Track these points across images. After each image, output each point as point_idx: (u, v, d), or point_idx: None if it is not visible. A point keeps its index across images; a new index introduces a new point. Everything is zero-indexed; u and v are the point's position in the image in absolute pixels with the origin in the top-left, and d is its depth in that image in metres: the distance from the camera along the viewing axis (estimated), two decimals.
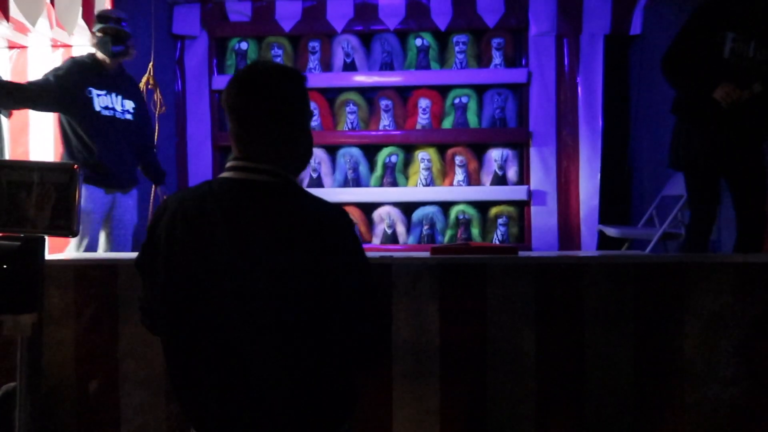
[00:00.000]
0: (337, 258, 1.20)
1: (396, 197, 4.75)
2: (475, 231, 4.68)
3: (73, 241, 3.04)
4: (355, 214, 4.76)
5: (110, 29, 3.07)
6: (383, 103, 4.79)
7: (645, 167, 4.51)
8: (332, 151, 4.84)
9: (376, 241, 4.78)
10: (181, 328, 1.25)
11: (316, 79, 4.80)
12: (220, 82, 4.79)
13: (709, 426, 2.04)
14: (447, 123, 4.78)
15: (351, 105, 4.79)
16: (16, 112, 3.55)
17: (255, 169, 1.25)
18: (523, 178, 4.71)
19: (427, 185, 4.73)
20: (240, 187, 1.24)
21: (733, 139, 2.66)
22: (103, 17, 3.11)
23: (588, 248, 4.54)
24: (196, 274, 1.21)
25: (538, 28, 4.62)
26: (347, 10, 4.73)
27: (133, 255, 2.36)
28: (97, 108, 3.04)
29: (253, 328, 1.19)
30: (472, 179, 4.74)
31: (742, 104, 2.57)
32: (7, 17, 3.49)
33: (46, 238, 1.56)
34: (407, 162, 4.81)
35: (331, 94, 4.87)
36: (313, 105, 4.77)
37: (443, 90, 4.78)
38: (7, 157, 3.76)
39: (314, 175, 4.80)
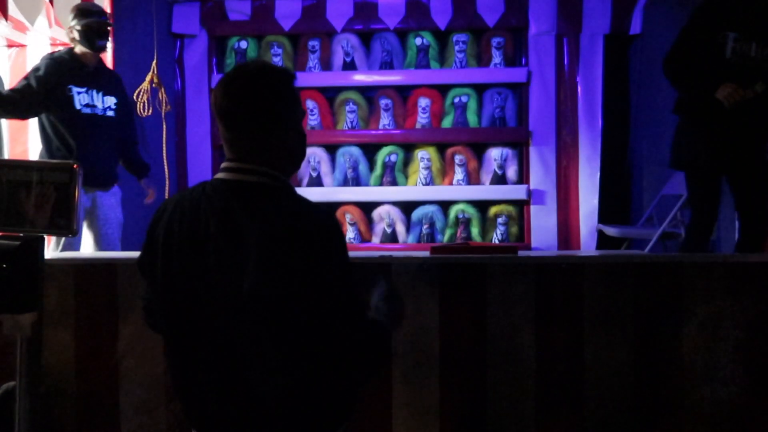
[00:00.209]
0: (320, 261, 1.18)
1: (396, 196, 4.75)
2: (474, 230, 4.68)
3: (53, 240, 3.01)
4: (354, 213, 4.76)
5: (94, 23, 3.01)
6: (383, 102, 4.78)
7: (644, 167, 4.51)
8: (332, 150, 4.84)
9: (376, 240, 4.78)
10: (178, 328, 1.27)
11: (316, 78, 4.80)
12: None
13: (708, 426, 2.05)
14: (447, 122, 4.77)
15: (351, 104, 4.79)
16: None
17: (245, 170, 1.26)
18: (523, 177, 4.70)
19: (427, 184, 4.73)
20: (231, 187, 1.25)
21: (735, 139, 2.66)
22: (85, 11, 3.04)
23: (587, 247, 4.54)
24: (192, 274, 1.22)
25: (538, 28, 4.61)
26: (347, 9, 4.72)
27: (133, 254, 2.36)
28: (77, 106, 2.99)
29: (243, 329, 1.19)
30: (472, 178, 4.74)
31: (745, 104, 2.56)
32: (5, 16, 3.48)
33: (46, 237, 1.56)
34: (407, 161, 4.81)
35: (330, 93, 4.87)
36: (312, 104, 4.78)
37: (443, 89, 4.78)
38: (6, 156, 3.76)
39: (314, 174, 4.80)
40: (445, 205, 4.74)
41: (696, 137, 2.73)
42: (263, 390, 1.20)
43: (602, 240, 4.37)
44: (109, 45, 3.13)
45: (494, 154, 4.70)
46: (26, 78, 2.93)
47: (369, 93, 4.85)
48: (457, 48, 4.75)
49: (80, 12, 3.04)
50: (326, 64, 4.85)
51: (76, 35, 3.02)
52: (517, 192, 4.64)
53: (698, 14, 2.71)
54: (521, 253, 2.29)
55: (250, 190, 1.24)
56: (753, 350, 2.04)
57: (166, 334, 1.31)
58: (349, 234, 4.78)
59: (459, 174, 4.73)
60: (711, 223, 2.76)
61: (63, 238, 2.97)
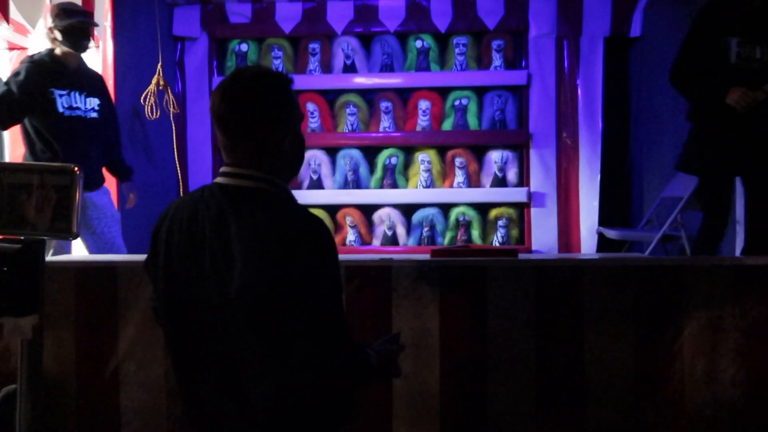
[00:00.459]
0: (302, 270, 1.17)
1: (396, 199, 4.75)
2: (475, 233, 4.68)
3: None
4: (355, 216, 4.76)
5: (78, 23, 2.96)
6: (383, 104, 4.79)
7: (645, 169, 4.51)
8: (332, 152, 4.84)
9: (377, 242, 4.78)
10: (178, 330, 1.29)
11: (316, 80, 4.80)
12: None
13: (709, 429, 2.04)
14: (447, 125, 4.78)
15: (351, 107, 4.79)
16: None
17: (240, 175, 1.26)
18: (523, 179, 4.71)
19: (427, 187, 4.73)
20: (226, 192, 1.25)
21: (750, 141, 2.64)
22: (68, 11, 2.98)
23: (588, 250, 4.54)
24: (190, 278, 1.24)
25: (538, 30, 4.62)
26: (347, 12, 4.73)
27: (133, 257, 2.37)
28: (60, 109, 2.94)
29: (232, 334, 1.21)
30: (472, 181, 4.74)
31: (757, 105, 2.56)
32: (7, 18, 3.48)
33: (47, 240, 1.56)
34: (407, 164, 4.81)
35: (331, 96, 4.87)
36: (313, 106, 4.78)
37: (443, 92, 4.78)
38: (6, 159, 3.76)
39: (314, 177, 4.81)
40: (445, 208, 4.75)
41: (710, 142, 2.72)
42: (252, 394, 1.21)
43: (602, 243, 4.38)
44: (110, 48, 3.11)
45: (494, 156, 4.70)
46: (6, 84, 2.86)
47: (369, 95, 4.86)
48: (457, 50, 4.75)
49: (63, 11, 2.97)
50: (327, 67, 4.85)
51: (58, 36, 2.95)
52: (518, 194, 4.64)
53: (698, 22, 2.71)
54: (521, 255, 2.29)
55: (244, 195, 1.24)
56: (754, 353, 2.04)
57: (167, 336, 1.33)
58: (350, 236, 4.78)
59: (459, 176, 4.73)
60: (723, 228, 2.75)
61: (54, 243, 2.94)
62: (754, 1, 2.64)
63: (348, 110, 4.79)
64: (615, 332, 2.07)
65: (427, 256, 2.22)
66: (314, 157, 4.77)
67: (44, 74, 2.92)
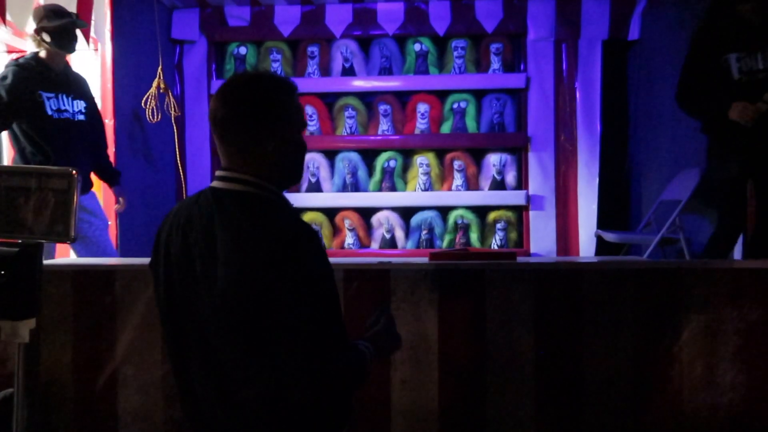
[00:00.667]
0: (282, 276, 1.15)
1: (395, 202, 4.75)
2: (473, 236, 4.68)
3: None
4: (353, 219, 4.76)
5: (69, 24, 2.95)
6: (382, 107, 4.79)
7: (643, 172, 4.52)
8: (331, 155, 4.84)
9: (375, 245, 4.78)
10: (174, 332, 1.31)
11: (315, 83, 4.81)
12: (219, 87, 4.79)
13: None
14: (446, 128, 4.78)
15: (350, 110, 4.80)
16: None
17: (231, 179, 1.27)
18: (522, 182, 4.71)
19: (426, 190, 4.74)
20: (217, 195, 1.26)
21: (761, 148, 2.64)
22: (58, 12, 2.96)
23: (586, 253, 4.54)
24: (184, 280, 1.26)
25: (537, 34, 4.63)
26: (346, 15, 4.73)
27: (130, 261, 2.36)
28: (49, 112, 2.93)
29: (219, 338, 1.22)
30: (471, 184, 4.74)
31: (764, 116, 2.55)
32: (4, 21, 3.48)
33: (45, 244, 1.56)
34: (406, 167, 4.81)
35: (329, 99, 4.87)
36: (311, 109, 4.78)
37: (442, 95, 4.79)
38: (4, 162, 3.75)
39: (313, 180, 4.80)
40: (444, 211, 4.75)
41: (723, 153, 2.73)
42: (242, 396, 1.21)
43: (601, 246, 4.37)
44: (109, 51, 3.10)
45: (493, 159, 4.70)
46: None
47: (368, 98, 4.86)
48: (455, 54, 4.76)
49: (52, 13, 2.95)
50: (325, 70, 4.86)
51: (47, 37, 2.93)
52: (516, 197, 4.64)
53: (696, 43, 2.73)
54: (520, 258, 2.29)
55: (232, 199, 1.25)
56: (752, 356, 2.04)
57: (166, 337, 1.34)
58: (348, 239, 4.77)
59: (458, 179, 4.74)
60: (736, 238, 2.76)
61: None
62: (746, 15, 2.64)
63: (347, 113, 4.80)
64: (613, 335, 2.07)
65: (425, 260, 2.22)
66: (313, 160, 4.78)
67: (31, 77, 2.91)
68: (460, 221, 4.69)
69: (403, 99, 4.84)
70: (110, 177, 3.31)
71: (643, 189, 4.52)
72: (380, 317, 1.46)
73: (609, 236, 4.08)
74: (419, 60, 4.80)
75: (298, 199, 4.64)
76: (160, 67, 3.73)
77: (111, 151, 3.78)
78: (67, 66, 3.11)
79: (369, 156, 4.83)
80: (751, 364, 2.04)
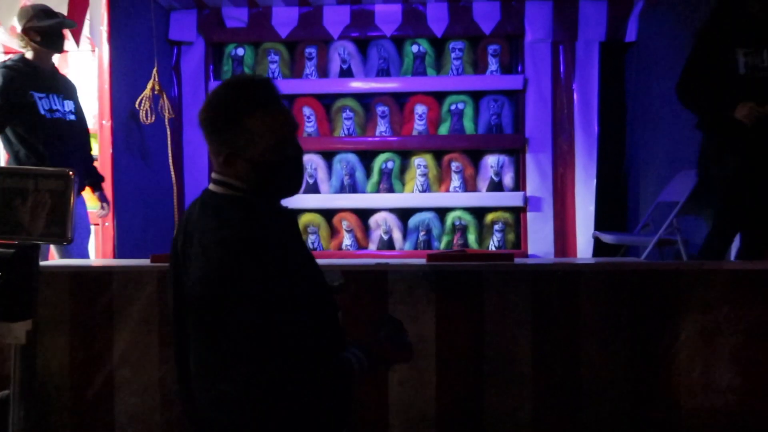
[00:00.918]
0: (234, 281, 1.15)
1: (392, 203, 4.75)
2: (471, 237, 4.68)
3: None
4: (351, 220, 4.76)
5: (58, 24, 2.95)
6: (380, 109, 4.79)
7: (641, 173, 4.52)
8: (329, 157, 4.84)
9: (373, 247, 4.78)
10: (174, 329, 1.35)
11: (313, 85, 4.81)
12: None
13: None
14: (443, 129, 4.78)
15: (347, 111, 4.79)
16: None
17: (214, 180, 1.31)
18: (519, 184, 4.71)
19: (424, 191, 4.74)
20: (204, 197, 1.30)
21: (761, 148, 2.64)
22: (48, 12, 2.95)
23: (584, 254, 4.54)
24: (178, 278, 1.30)
25: (534, 35, 4.63)
26: (344, 17, 4.73)
27: (127, 262, 2.35)
28: (42, 111, 2.91)
29: (194, 338, 1.24)
30: (469, 185, 4.74)
31: (766, 117, 2.56)
32: (0, 22, 3.48)
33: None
34: (404, 168, 4.81)
35: (327, 100, 4.87)
36: (309, 111, 4.78)
37: (439, 96, 4.79)
38: (1, 164, 3.75)
39: (310, 181, 4.80)
40: (441, 212, 4.75)
41: (721, 152, 2.72)
42: (207, 398, 1.22)
43: (599, 247, 4.38)
44: (106, 52, 3.09)
45: (491, 161, 4.71)
46: None
47: (366, 100, 4.86)
48: (453, 55, 4.76)
49: (42, 13, 2.94)
50: (323, 71, 4.85)
51: (36, 37, 2.92)
52: (514, 199, 4.65)
53: (702, 36, 2.71)
54: (518, 260, 2.29)
55: (211, 200, 1.28)
56: (750, 358, 2.04)
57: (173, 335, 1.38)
58: (346, 241, 4.77)
59: (456, 181, 4.74)
60: (733, 237, 2.76)
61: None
62: (756, 12, 2.64)
63: (344, 114, 4.80)
64: (611, 337, 2.07)
65: (423, 261, 2.22)
66: (311, 161, 4.77)
67: (21, 78, 2.90)
68: (457, 222, 4.69)
69: (400, 100, 4.84)
70: (94, 181, 3.28)
71: (640, 190, 4.53)
72: (385, 324, 1.41)
73: (606, 237, 4.08)
74: (417, 61, 4.81)
75: (295, 200, 4.62)
76: (155, 69, 3.72)
77: (108, 152, 3.78)
78: (54, 66, 3.10)
79: (367, 157, 4.83)
80: (749, 365, 2.04)
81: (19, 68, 2.92)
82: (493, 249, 4.66)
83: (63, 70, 3.92)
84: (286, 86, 4.78)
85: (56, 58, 3.16)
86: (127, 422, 2.14)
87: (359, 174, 4.79)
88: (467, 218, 4.69)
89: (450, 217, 4.71)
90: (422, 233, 4.71)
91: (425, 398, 2.08)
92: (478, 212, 4.73)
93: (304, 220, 4.77)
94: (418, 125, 4.78)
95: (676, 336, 2.05)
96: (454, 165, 4.73)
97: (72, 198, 1.57)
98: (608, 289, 2.08)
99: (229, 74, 4.83)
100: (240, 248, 1.17)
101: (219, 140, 1.27)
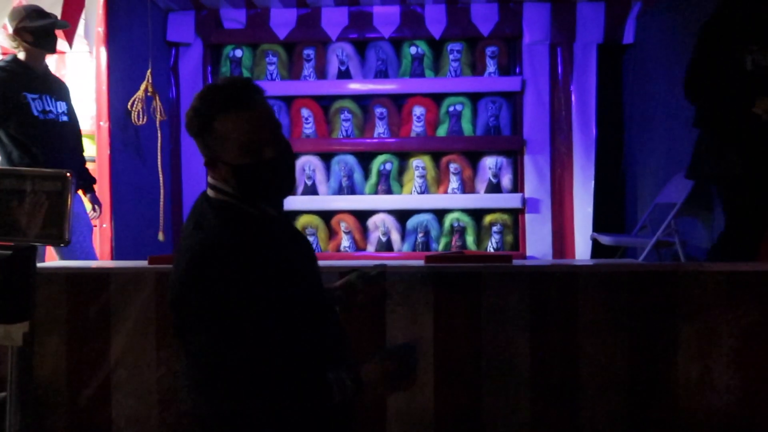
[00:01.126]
0: (201, 286, 1.16)
1: (390, 205, 4.75)
2: (469, 239, 4.68)
3: None
4: (349, 222, 4.75)
5: (51, 25, 2.93)
6: (378, 110, 4.79)
7: (638, 175, 4.53)
8: (327, 158, 4.84)
9: (371, 248, 4.77)
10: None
11: (311, 86, 4.81)
12: None
13: None
14: (441, 131, 4.78)
15: (345, 112, 4.79)
16: None
17: (208, 183, 1.32)
18: (518, 185, 4.71)
19: (422, 193, 4.74)
20: (199, 199, 1.32)
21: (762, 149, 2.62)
22: (41, 12, 2.94)
23: (582, 256, 4.54)
24: None
25: (532, 37, 4.64)
26: (342, 18, 4.73)
27: (124, 264, 2.35)
28: (35, 113, 2.90)
29: (182, 344, 1.24)
30: (467, 187, 4.74)
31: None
32: None
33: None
34: (402, 169, 4.81)
35: (325, 102, 4.87)
36: (307, 112, 4.78)
37: (438, 98, 4.79)
38: None
39: (308, 183, 4.80)
40: (440, 214, 4.75)
41: (726, 150, 2.69)
42: (189, 403, 1.24)
43: (597, 248, 4.38)
44: (103, 53, 3.07)
45: (489, 162, 4.71)
46: None
47: (364, 101, 4.86)
48: (451, 57, 4.77)
49: (35, 13, 2.93)
50: (321, 73, 4.85)
51: (29, 37, 2.91)
52: (512, 200, 4.65)
53: (708, 32, 2.69)
54: (516, 261, 2.29)
55: (201, 204, 1.29)
56: (748, 359, 2.04)
57: None
58: (344, 242, 4.77)
59: (454, 182, 4.74)
60: (749, 235, 2.69)
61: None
62: (764, 9, 2.63)
63: (342, 116, 4.80)
64: (609, 338, 2.07)
65: (421, 263, 2.21)
66: (309, 162, 4.77)
67: (14, 79, 2.89)
68: (455, 224, 4.69)
69: (398, 102, 4.84)
70: (86, 183, 3.26)
71: (638, 192, 4.53)
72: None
73: (604, 239, 4.09)
74: (415, 63, 4.81)
75: (293, 202, 4.63)
76: (149, 71, 3.71)
77: (106, 153, 3.77)
78: (47, 67, 3.09)
79: (365, 159, 4.83)
80: (747, 366, 2.04)
81: (11, 69, 2.91)
82: (492, 250, 4.66)
83: (60, 71, 3.94)
84: (284, 88, 4.79)
85: (53, 59, 3.15)
86: (124, 424, 2.13)
87: (357, 175, 4.79)
88: (465, 220, 4.69)
89: (448, 219, 4.71)
90: (420, 235, 4.71)
91: (423, 399, 2.07)
92: (477, 214, 4.73)
93: (302, 221, 4.77)
94: (417, 127, 4.78)
95: (674, 337, 2.05)
96: (452, 166, 4.73)
97: (69, 199, 1.56)
98: (606, 291, 2.08)
99: (228, 75, 4.83)
100: (206, 254, 1.17)
101: (199, 144, 1.28)
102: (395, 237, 4.75)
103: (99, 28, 3.76)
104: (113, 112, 3.81)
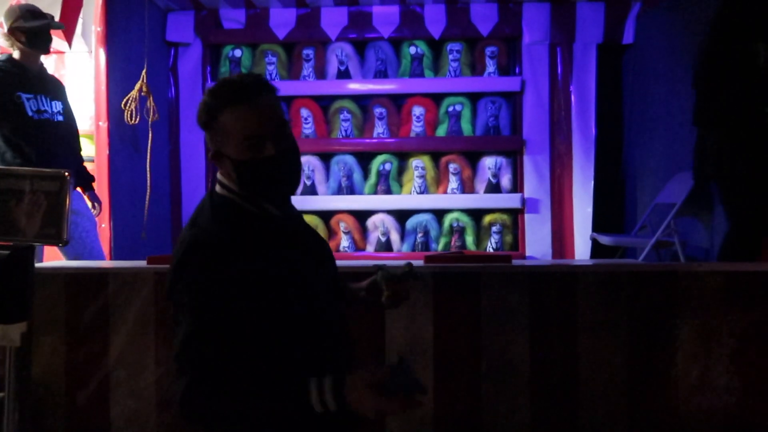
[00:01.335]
0: (182, 275, 1.19)
1: (390, 205, 4.74)
2: (469, 239, 4.68)
3: None
4: (348, 222, 4.75)
5: (46, 26, 2.93)
6: (377, 110, 4.79)
7: (638, 175, 4.53)
8: (326, 158, 4.84)
9: (370, 248, 4.77)
10: None
11: (310, 86, 4.80)
12: None
13: None
14: (441, 131, 4.78)
15: (345, 113, 4.79)
16: None
17: (216, 179, 1.33)
18: (517, 186, 4.71)
19: (421, 193, 4.73)
20: (206, 194, 1.34)
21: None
22: (35, 13, 2.93)
23: (581, 256, 4.54)
24: None
25: (532, 37, 4.63)
26: (341, 18, 4.73)
27: (123, 264, 2.35)
28: (29, 113, 2.89)
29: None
30: (466, 187, 4.74)
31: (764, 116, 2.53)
32: None
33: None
34: (401, 170, 4.81)
35: (325, 102, 4.87)
36: (306, 112, 4.78)
37: (437, 98, 4.79)
38: None
39: (308, 183, 4.79)
40: (439, 214, 4.74)
41: (728, 148, 2.67)
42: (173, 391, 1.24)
43: (596, 248, 4.38)
44: (102, 53, 3.06)
45: (488, 162, 4.70)
46: None
47: (363, 101, 4.86)
48: (451, 57, 4.76)
49: (29, 13, 2.92)
50: (320, 73, 4.85)
51: (22, 37, 2.90)
52: (512, 201, 4.64)
53: (719, 27, 2.67)
54: (515, 261, 2.29)
55: (205, 199, 1.32)
56: (748, 359, 2.04)
57: None
58: (344, 243, 4.76)
59: (453, 182, 4.73)
60: (756, 230, 2.67)
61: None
62: None
63: (342, 116, 4.79)
64: (609, 338, 2.06)
65: (421, 263, 2.21)
66: (308, 163, 4.76)
67: (8, 79, 2.88)
68: (455, 224, 4.68)
69: (398, 102, 4.84)
70: (84, 181, 3.26)
71: (638, 192, 4.53)
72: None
73: (604, 239, 4.09)
74: (414, 63, 4.81)
75: (293, 202, 4.62)
76: (144, 71, 3.71)
77: (105, 153, 3.77)
78: (42, 67, 3.08)
79: (364, 159, 4.82)
80: (747, 366, 2.03)
81: (6, 69, 2.90)
82: (491, 250, 4.65)
83: (59, 71, 3.93)
84: (284, 88, 4.71)
85: (52, 59, 3.14)
86: (122, 425, 2.13)
87: (357, 176, 4.79)
88: (465, 220, 4.68)
89: (447, 219, 4.71)
90: (420, 235, 4.71)
91: (423, 399, 2.07)
92: (476, 214, 4.72)
93: None
94: (416, 127, 4.77)
95: (673, 337, 2.05)
96: (451, 167, 4.73)
97: (68, 199, 1.56)
98: (606, 291, 2.08)
99: (227, 76, 4.82)
100: (194, 248, 1.20)
101: (207, 137, 1.30)
102: (395, 237, 4.75)
103: (98, 28, 3.75)
104: (112, 112, 3.80)
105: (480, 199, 4.69)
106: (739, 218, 2.74)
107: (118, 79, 3.86)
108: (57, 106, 3.05)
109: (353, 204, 4.74)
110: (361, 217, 4.79)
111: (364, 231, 4.81)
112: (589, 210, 4.60)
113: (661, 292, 2.07)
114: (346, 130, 4.80)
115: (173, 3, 4.61)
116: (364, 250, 4.77)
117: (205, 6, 4.68)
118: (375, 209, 4.77)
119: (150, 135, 3.80)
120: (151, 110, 3.83)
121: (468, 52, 4.79)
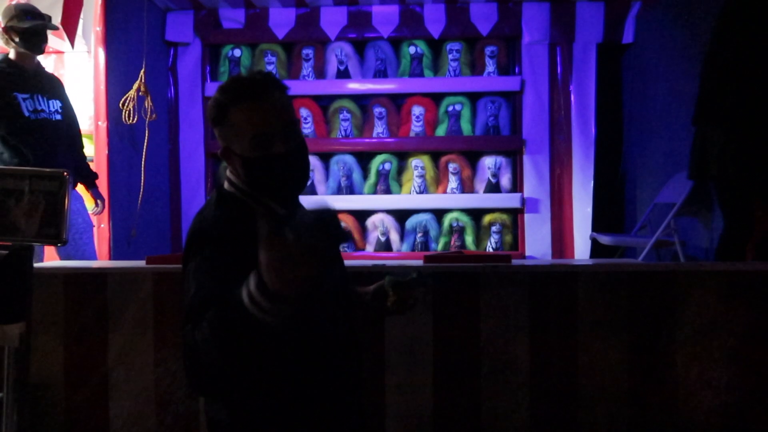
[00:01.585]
0: (188, 267, 1.20)
1: (389, 205, 4.74)
2: (468, 238, 4.68)
3: None
4: (348, 222, 4.75)
5: (40, 26, 2.92)
6: (377, 110, 4.79)
7: (638, 175, 4.53)
8: (326, 158, 4.83)
9: (370, 248, 4.77)
10: None
11: (310, 86, 4.80)
12: (213, 89, 4.75)
13: None
14: (440, 130, 4.78)
15: (344, 112, 4.79)
16: None
17: (225, 175, 1.34)
18: (517, 185, 4.71)
19: (421, 193, 4.73)
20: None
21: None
22: (30, 12, 2.92)
23: (581, 256, 4.54)
24: None
25: (531, 37, 4.63)
26: (341, 18, 4.73)
27: (122, 264, 2.34)
28: (26, 113, 2.89)
29: None
30: (466, 187, 4.74)
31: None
32: None
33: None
34: (401, 169, 4.81)
35: (324, 102, 4.87)
36: (306, 112, 4.78)
37: (437, 97, 4.79)
38: None
39: (308, 183, 4.79)
40: (439, 214, 4.74)
41: (730, 147, 2.66)
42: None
43: (596, 248, 4.38)
44: (101, 53, 3.05)
45: (488, 162, 4.70)
46: None
47: (363, 101, 4.86)
48: (450, 56, 4.76)
49: (23, 13, 2.91)
50: (320, 73, 4.85)
51: (16, 37, 2.89)
52: (511, 200, 4.64)
53: (727, 25, 2.65)
54: (515, 261, 2.28)
55: (213, 194, 1.33)
56: (748, 358, 2.03)
57: None
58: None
59: (453, 182, 4.73)
60: (750, 231, 2.69)
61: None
62: None
63: (341, 116, 4.79)
64: (608, 338, 2.06)
65: (420, 262, 2.21)
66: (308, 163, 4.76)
67: (5, 79, 2.88)
68: (455, 224, 4.68)
69: (397, 102, 4.84)
70: (86, 178, 3.26)
71: (637, 192, 4.53)
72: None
73: (604, 239, 4.08)
74: (414, 63, 4.80)
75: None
76: (142, 70, 3.70)
77: (104, 153, 3.77)
78: (39, 66, 3.07)
79: (364, 159, 4.82)
80: (747, 366, 2.03)
81: (2, 69, 2.90)
82: (491, 250, 4.65)
83: (59, 71, 3.92)
84: None
85: (52, 59, 3.13)
86: (121, 425, 2.12)
87: (356, 175, 4.79)
88: (464, 220, 4.68)
89: (447, 219, 4.70)
90: (419, 235, 4.71)
91: (422, 401, 2.07)
92: (476, 214, 4.72)
93: None
94: (416, 126, 4.77)
95: (673, 337, 2.05)
96: (451, 166, 4.73)
97: (67, 199, 1.56)
98: (606, 291, 2.08)
99: (226, 75, 4.82)
100: (196, 237, 1.21)
101: (217, 134, 1.30)
102: (394, 237, 4.75)
103: (97, 28, 3.75)
104: (111, 111, 3.80)
105: (480, 199, 4.69)
106: (732, 218, 2.75)
107: (117, 79, 3.86)
108: (55, 104, 3.03)
109: (353, 204, 4.74)
110: (361, 216, 4.79)
111: (363, 231, 4.80)
112: (589, 210, 4.59)
113: (661, 292, 2.07)
114: (345, 130, 4.80)
115: (173, 3, 4.61)
116: (363, 250, 4.77)
117: (205, 6, 4.68)
118: (374, 209, 4.77)
119: (147, 134, 3.80)
120: (149, 110, 3.83)
121: (467, 52, 4.79)
